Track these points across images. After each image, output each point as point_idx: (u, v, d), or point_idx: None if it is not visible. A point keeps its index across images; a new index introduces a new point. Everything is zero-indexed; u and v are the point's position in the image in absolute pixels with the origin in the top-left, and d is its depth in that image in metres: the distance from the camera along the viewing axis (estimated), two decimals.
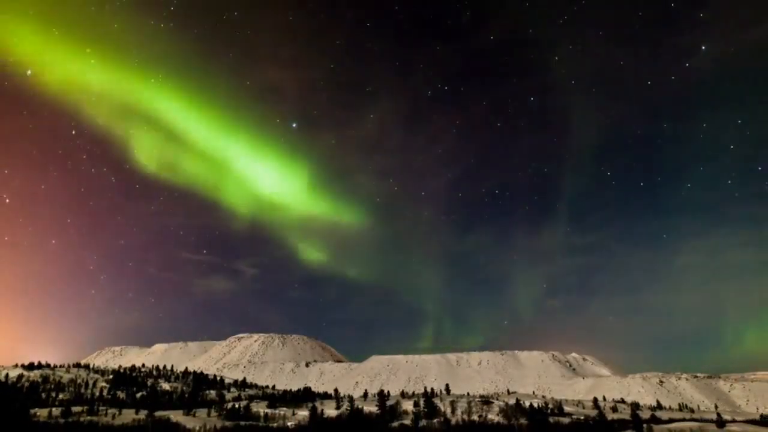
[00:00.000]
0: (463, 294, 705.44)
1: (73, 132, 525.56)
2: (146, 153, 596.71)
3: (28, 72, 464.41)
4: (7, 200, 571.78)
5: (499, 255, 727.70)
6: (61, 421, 66.75)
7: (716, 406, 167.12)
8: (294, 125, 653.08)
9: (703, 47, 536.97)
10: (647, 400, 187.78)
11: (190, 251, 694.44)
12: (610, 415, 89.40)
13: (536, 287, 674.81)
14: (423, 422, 68.07)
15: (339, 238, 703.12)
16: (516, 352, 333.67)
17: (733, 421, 72.95)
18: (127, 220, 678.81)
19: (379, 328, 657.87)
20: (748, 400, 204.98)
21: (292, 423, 71.25)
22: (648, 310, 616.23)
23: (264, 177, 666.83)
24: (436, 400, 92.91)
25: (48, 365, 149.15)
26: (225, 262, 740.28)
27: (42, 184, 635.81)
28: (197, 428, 65.20)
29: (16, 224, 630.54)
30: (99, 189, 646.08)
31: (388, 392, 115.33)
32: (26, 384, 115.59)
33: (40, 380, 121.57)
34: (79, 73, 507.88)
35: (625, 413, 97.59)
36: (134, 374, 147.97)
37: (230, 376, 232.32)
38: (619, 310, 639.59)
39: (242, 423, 69.48)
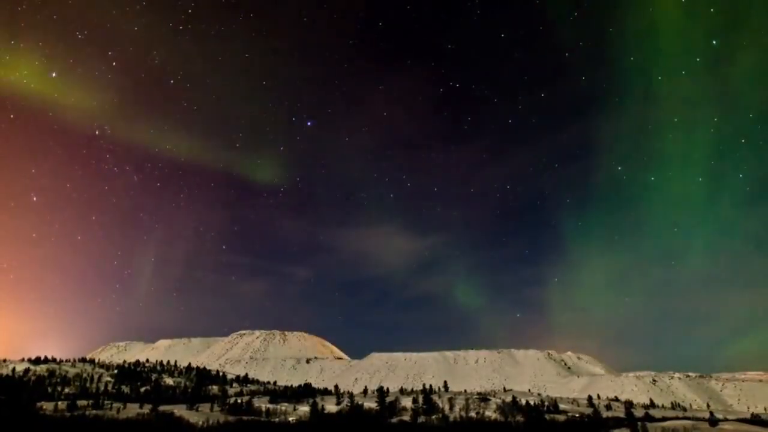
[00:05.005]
0: (474, 289, 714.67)
1: (96, 132, 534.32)
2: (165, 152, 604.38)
3: (53, 74, 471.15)
4: (34, 198, 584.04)
5: (510, 250, 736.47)
6: (67, 414, 67.79)
7: (708, 405, 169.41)
8: (309, 123, 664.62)
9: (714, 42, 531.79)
10: (641, 398, 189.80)
11: (211, 248, 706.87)
12: (605, 413, 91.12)
13: (547, 286, 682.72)
14: (422, 419, 69.58)
15: None
16: (512, 350, 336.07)
17: (725, 419, 74.38)
18: (150, 216, 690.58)
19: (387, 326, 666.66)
20: (739, 399, 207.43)
21: (294, 418, 72.62)
22: (646, 311, 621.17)
23: None
24: (435, 397, 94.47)
25: (54, 360, 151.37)
26: (243, 258, 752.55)
27: (67, 182, 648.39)
28: (200, 423, 66.30)
29: (43, 221, 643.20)
30: (122, 187, 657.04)
31: (388, 389, 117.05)
32: (33, 378, 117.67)
33: (46, 374, 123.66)
34: (101, 74, 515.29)
35: (619, 411, 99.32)
36: (138, 369, 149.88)
37: (232, 371, 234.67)
38: (618, 310, 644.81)
39: (245, 418, 70.50)
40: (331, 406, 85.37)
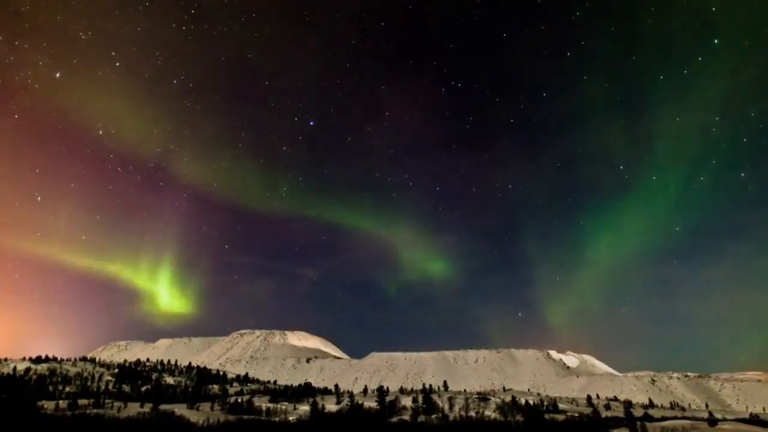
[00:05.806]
0: (475, 289, 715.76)
1: (100, 132, 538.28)
2: (168, 151, 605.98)
3: (57, 74, 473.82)
4: (39, 198, 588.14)
5: (511, 250, 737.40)
6: (68, 413, 67.94)
7: (707, 405, 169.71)
8: (311, 123, 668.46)
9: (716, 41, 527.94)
10: (640, 398, 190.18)
11: (214, 248, 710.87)
12: (604, 413, 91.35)
13: (548, 286, 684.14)
14: (422, 418, 69.91)
15: None
16: (512, 350, 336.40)
17: (724, 419, 74.63)
18: (153, 216, 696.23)
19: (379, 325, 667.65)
20: (737, 399, 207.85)
21: (294, 417, 72.93)
22: (646, 312, 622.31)
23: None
24: (434, 397, 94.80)
25: (55, 359, 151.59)
26: (245, 258, 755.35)
27: (71, 182, 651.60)
28: (201, 422, 66.56)
29: (47, 221, 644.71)
30: (125, 187, 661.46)
31: (387, 388, 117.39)
32: (34, 377, 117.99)
33: (47, 373, 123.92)
34: (105, 74, 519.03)
35: (618, 411, 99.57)
36: (139, 368, 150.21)
37: (232, 371, 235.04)
38: (618, 310, 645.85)
39: (245, 417, 70.74)
40: (331, 406, 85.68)
